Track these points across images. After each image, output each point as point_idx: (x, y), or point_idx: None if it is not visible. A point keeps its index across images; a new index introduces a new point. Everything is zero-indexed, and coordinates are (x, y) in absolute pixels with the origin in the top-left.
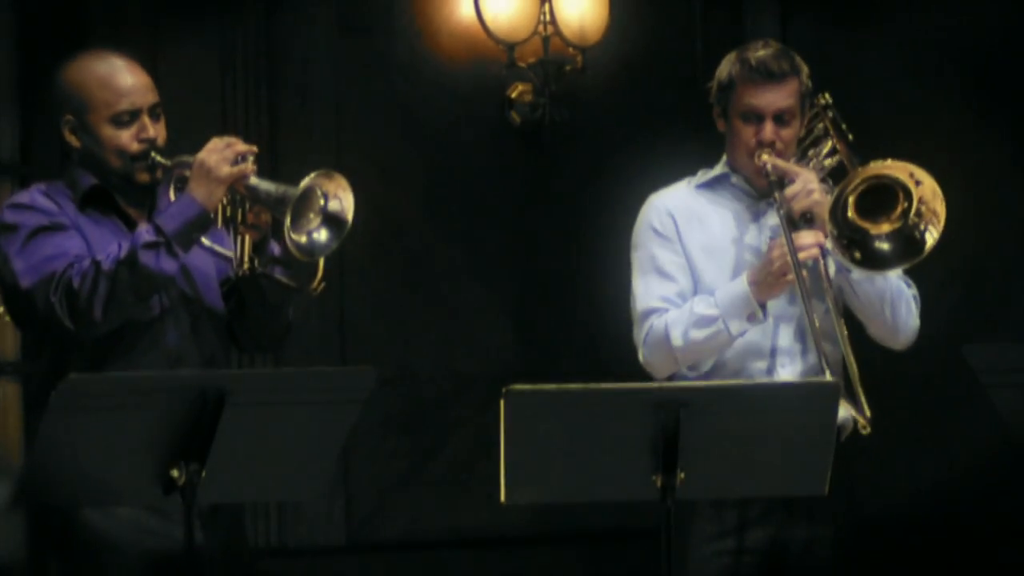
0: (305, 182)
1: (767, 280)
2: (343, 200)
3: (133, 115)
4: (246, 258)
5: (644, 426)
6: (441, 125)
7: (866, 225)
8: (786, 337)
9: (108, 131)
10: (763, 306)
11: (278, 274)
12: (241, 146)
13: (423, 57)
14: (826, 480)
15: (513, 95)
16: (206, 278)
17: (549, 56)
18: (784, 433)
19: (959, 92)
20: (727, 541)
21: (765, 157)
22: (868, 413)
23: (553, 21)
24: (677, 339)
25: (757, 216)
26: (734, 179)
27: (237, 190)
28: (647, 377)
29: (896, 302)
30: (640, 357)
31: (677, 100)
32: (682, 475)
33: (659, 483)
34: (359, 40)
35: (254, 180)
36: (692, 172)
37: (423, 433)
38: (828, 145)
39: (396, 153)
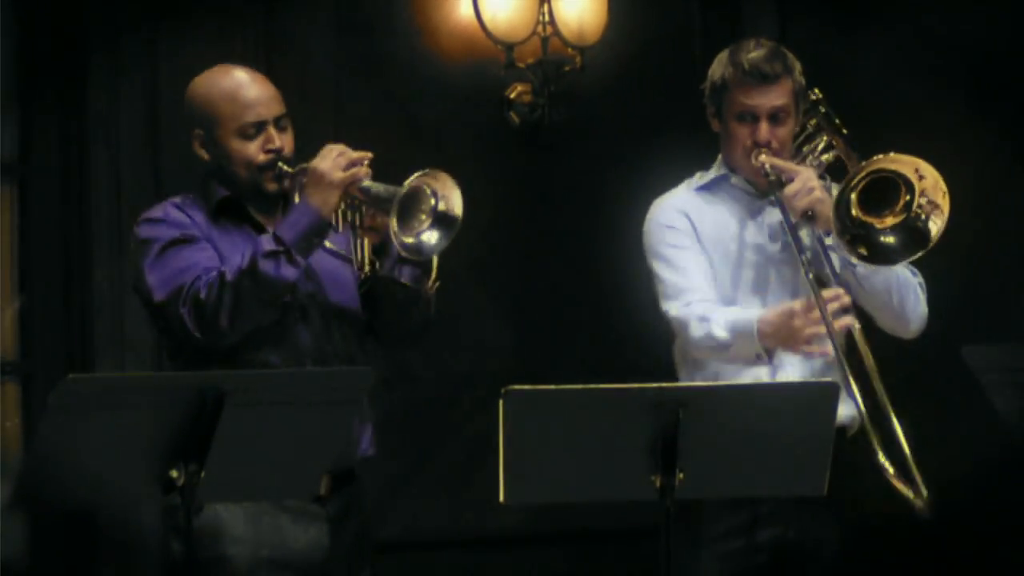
0: (410, 181)
1: (786, 340)
2: (451, 199)
3: (259, 127)
4: (367, 260)
5: (643, 426)
6: (440, 125)
7: (871, 220)
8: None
9: (235, 144)
10: (770, 351)
11: (404, 275)
12: (353, 152)
13: (422, 57)
14: (825, 480)
15: (512, 95)
16: (336, 279)
17: (548, 56)
18: (784, 433)
19: (959, 92)
20: (736, 541)
21: (763, 157)
22: (925, 493)
23: (552, 21)
24: (696, 351)
25: (756, 214)
26: (733, 179)
27: (352, 194)
28: (646, 377)
29: (903, 291)
30: (688, 354)
31: (676, 100)
32: (681, 475)
33: (658, 483)
34: (359, 40)
35: (367, 183)
36: (691, 172)
37: (422, 433)
38: (823, 141)
39: (395, 153)
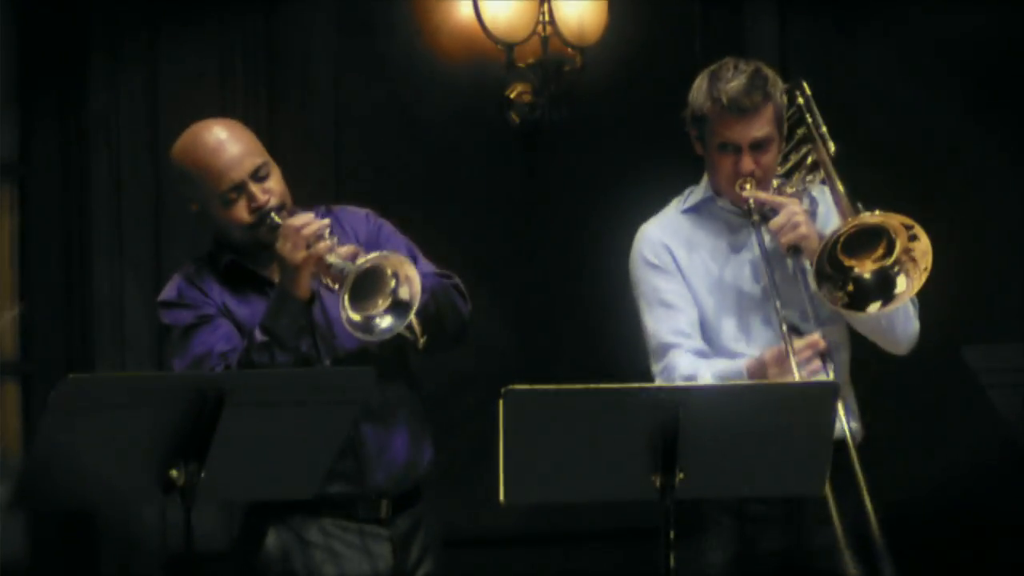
0: (365, 260)
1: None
2: (411, 283)
3: (239, 190)
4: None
5: (643, 426)
6: (440, 125)
7: (849, 263)
8: None
9: (222, 213)
10: None
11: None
12: (312, 227)
13: (422, 57)
14: (825, 480)
15: (512, 95)
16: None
17: (548, 56)
18: (783, 433)
19: (958, 92)
20: (742, 544)
21: (747, 191)
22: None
23: (552, 21)
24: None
25: (742, 245)
26: (719, 202)
27: (317, 271)
28: (647, 377)
29: (893, 315)
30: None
31: (676, 100)
32: (681, 475)
33: (658, 483)
34: (359, 40)
35: (330, 258)
36: (690, 173)
37: None
38: (811, 156)
39: (395, 153)
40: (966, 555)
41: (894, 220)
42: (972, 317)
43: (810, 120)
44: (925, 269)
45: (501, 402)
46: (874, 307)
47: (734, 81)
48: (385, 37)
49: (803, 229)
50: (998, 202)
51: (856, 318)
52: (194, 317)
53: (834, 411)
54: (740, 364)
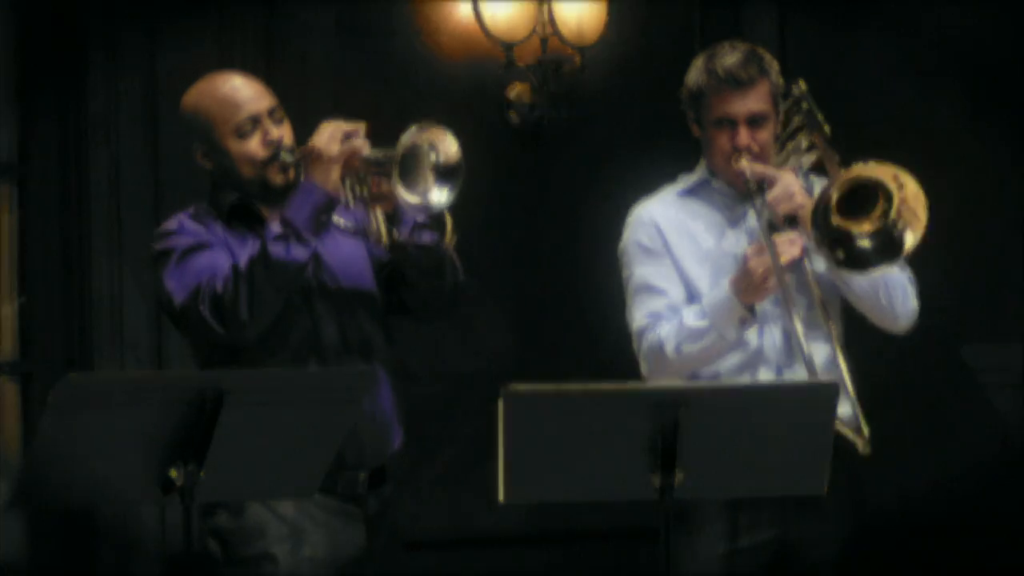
0: (403, 141)
1: (749, 287)
2: (447, 147)
3: (254, 122)
4: (383, 231)
5: (643, 426)
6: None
7: (848, 225)
8: (775, 344)
9: (235, 144)
10: (751, 308)
11: (422, 238)
12: (347, 125)
13: (422, 57)
14: (825, 480)
15: (511, 95)
16: (347, 263)
17: (547, 56)
18: (783, 433)
19: (958, 92)
20: (734, 541)
21: (744, 163)
22: (866, 431)
23: (551, 21)
24: (671, 353)
25: (738, 221)
26: (715, 183)
27: (353, 166)
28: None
29: (892, 289)
30: (643, 372)
31: (675, 100)
32: (681, 475)
33: (658, 483)
34: (359, 40)
35: (367, 151)
36: (688, 173)
37: (421, 433)
38: (806, 141)
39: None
40: (966, 555)
41: (881, 171)
42: (972, 317)
43: (806, 106)
44: (922, 214)
45: (501, 402)
46: (882, 266)
47: (730, 56)
48: (384, 37)
49: (799, 199)
50: (998, 201)
51: (856, 287)
52: (194, 241)
53: (834, 411)
54: (722, 285)
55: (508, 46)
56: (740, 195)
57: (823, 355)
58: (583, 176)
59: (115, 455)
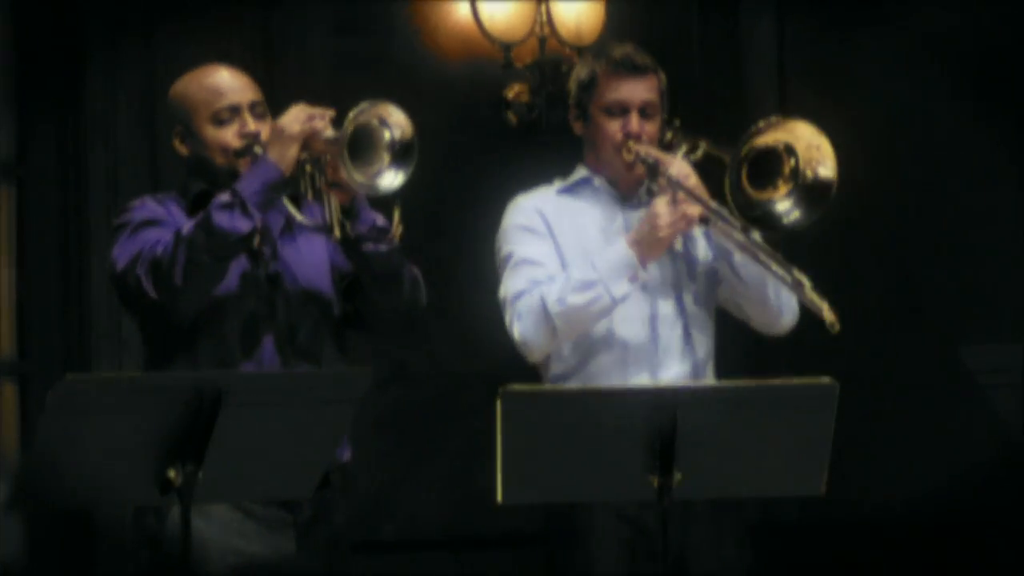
0: (351, 118)
1: (650, 239)
2: (399, 123)
3: (233, 111)
4: (335, 221)
5: (641, 426)
6: (438, 125)
7: (767, 195)
8: (672, 337)
9: (210, 131)
10: (642, 261)
11: (371, 235)
12: (315, 109)
13: (420, 57)
14: (823, 480)
15: (509, 95)
16: (307, 264)
17: (545, 56)
18: (781, 433)
19: (958, 92)
20: (632, 549)
21: (635, 146)
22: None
23: (550, 22)
24: (554, 305)
25: (618, 215)
26: (596, 182)
27: (315, 148)
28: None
29: (778, 284)
30: (515, 337)
31: (673, 101)
32: (679, 475)
33: (656, 483)
34: (358, 40)
35: (329, 133)
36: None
37: (420, 433)
38: (684, 147)
39: None
40: (965, 555)
41: (767, 135)
42: (972, 317)
43: (677, 125)
44: (824, 145)
45: (499, 402)
46: (819, 211)
47: (623, 47)
48: (384, 37)
49: (694, 180)
50: (998, 201)
51: (747, 274)
52: (151, 216)
53: (833, 411)
54: (617, 244)
55: (506, 46)
56: (622, 193)
57: (707, 349)
58: None
59: (113, 456)
